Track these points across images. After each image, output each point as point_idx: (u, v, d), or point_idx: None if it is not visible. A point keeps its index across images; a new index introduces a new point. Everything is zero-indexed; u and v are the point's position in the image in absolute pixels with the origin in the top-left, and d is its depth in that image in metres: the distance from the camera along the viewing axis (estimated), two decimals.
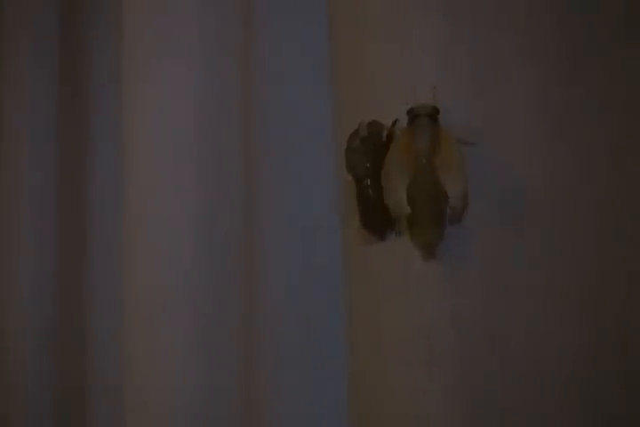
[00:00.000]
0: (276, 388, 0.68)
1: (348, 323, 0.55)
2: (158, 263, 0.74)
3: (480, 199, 0.47)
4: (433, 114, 0.47)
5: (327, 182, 0.64)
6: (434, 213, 0.46)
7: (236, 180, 0.73)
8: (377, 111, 0.50)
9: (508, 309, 0.47)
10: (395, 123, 0.49)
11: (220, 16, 0.74)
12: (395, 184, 0.47)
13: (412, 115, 0.47)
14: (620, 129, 0.48)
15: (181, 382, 0.72)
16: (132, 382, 0.75)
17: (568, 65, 0.48)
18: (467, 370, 0.47)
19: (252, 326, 0.70)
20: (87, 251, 0.95)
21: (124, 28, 0.77)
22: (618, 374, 0.47)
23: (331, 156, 0.56)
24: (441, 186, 0.46)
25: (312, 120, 0.68)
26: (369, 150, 0.50)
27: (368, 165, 0.50)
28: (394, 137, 0.49)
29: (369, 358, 0.52)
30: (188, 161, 0.74)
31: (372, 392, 0.51)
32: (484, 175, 0.48)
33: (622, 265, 0.47)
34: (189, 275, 0.73)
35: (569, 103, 0.48)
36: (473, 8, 0.49)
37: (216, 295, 0.73)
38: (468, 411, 0.47)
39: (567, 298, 0.47)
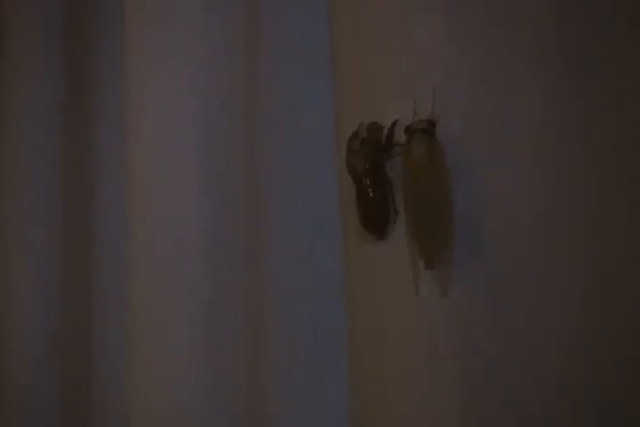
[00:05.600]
0: (279, 388, 0.69)
1: (349, 323, 0.55)
2: (163, 263, 0.74)
3: (481, 200, 0.47)
4: (429, 128, 0.47)
5: (328, 183, 0.65)
6: (433, 226, 0.47)
7: (239, 180, 0.73)
8: (377, 112, 0.50)
9: (510, 309, 0.48)
10: (395, 124, 0.49)
11: (222, 17, 0.75)
12: None
13: (409, 131, 0.47)
14: (621, 129, 0.48)
15: (185, 383, 0.72)
16: (137, 383, 0.75)
17: (569, 65, 0.48)
18: (468, 370, 0.47)
19: (256, 327, 0.71)
20: (92, 251, 0.95)
21: (127, 29, 0.78)
22: (620, 374, 0.47)
23: (331, 157, 0.57)
24: (441, 200, 0.46)
25: (313, 121, 0.68)
26: (369, 151, 0.50)
27: (368, 165, 0.50)
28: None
29: (371, 358, 0.52)
30: (191, 162, 0.74)
31: (373, 393, 0.51)
32: (485, 175, 0.48)
33: (622, 265, 0.47)
34: (194, 275, 0.73)
35: (570, 103, 0.48)
36: (474, 8, 0.49)
37: (221, 296, 0.73)
38: (470, 411, 0.47)
39: (568, 298, 0.47)
